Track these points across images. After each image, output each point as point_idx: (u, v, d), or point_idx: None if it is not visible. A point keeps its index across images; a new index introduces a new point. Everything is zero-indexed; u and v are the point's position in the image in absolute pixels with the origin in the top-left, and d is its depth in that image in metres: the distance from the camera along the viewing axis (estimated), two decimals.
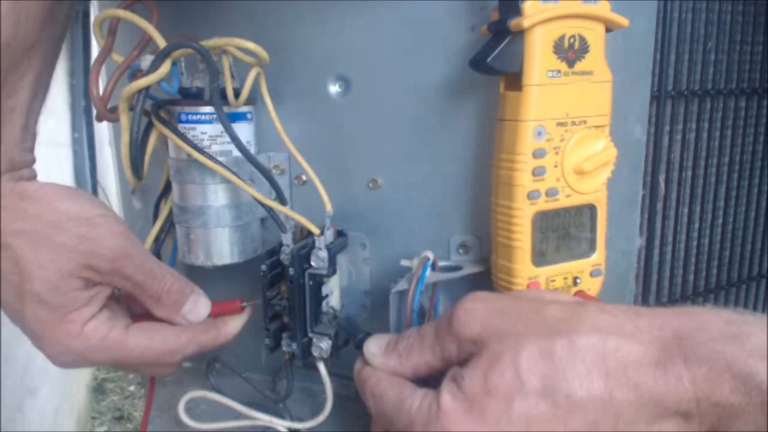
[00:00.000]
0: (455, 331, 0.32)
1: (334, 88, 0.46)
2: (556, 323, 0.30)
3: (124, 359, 0.40)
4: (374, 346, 0.37)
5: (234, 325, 0.44)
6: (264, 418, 0.48)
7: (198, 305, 0.42)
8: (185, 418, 0.48)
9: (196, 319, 0.42)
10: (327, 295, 0.44)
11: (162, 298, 0.41)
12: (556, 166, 0.39)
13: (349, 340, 0.45)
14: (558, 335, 0.29)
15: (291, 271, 0.42)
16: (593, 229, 0.41)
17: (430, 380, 0.33)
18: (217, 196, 0.43)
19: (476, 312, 0.32)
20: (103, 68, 0.42)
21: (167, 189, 0.46)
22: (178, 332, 0.41)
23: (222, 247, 0.44)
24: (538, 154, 0.38)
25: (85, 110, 1.93)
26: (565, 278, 0.41)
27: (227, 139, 0.41)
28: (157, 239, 0.46)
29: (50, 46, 0.37)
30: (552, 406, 0.28)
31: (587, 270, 0.42)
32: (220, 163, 0.41)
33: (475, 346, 0.31)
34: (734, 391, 0.26)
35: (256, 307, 0.45)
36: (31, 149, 0.38)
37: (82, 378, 2.11)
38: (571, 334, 0.29)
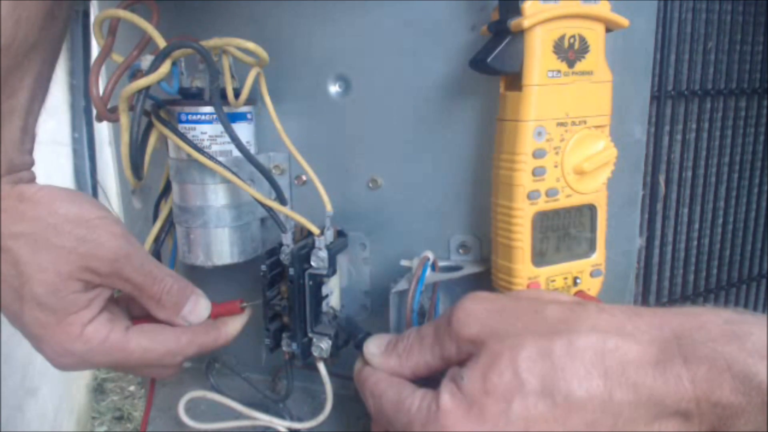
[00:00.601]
0: (454, 331, 0.32)
1: (334, 88, 0.46)
2: (555, 323, 0.30)
3: (125, 361, 0.40)
4: (374, 346, 0.37)
5: (234, 325, 0.44)
6: (264, 418, 0.48)
7: (198, 306, 0.42)
8: (185, 418, 0.48)
9: (196, 320, 0.42)
10: (327, 295, 0.44)
11: (162, 299, 0.40)
12: (556, 166, 0.39)
13: (349, 340, 0.45)
14: (557, 335, 0.29)
15: (291, 271, 0.42)
16: (593, 229, 0.41)
17: (430, 380, 0.33)
18: (217, 196, 0.43)
19: (475, 312, 0.32)
20: (104, 68, 0.42)
21: (167, 189, 0.46)
22: (178, 333, 0.41)
23: (222, 247, 0.44)
24: (538, 154, 0.38)
25: (85, 110, 1.93)
26: (565, 278, 0.41)
27: (227, 139, 0.41)
28: (157, 239, 0.46)
29: (50, 47, 0.37)
30: (551, 406, 0.28)
31: (587, 270, 0.42)
32: (220, 163, 0.41)
33: (474, 346, 0.31)
34: (734, 391, 0.26)
35: (256, 308, 0.45)
36: (30, 151, 0.38)
37: (82, 378, 2.11)
38: (570, 333, 0.29)
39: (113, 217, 0.39)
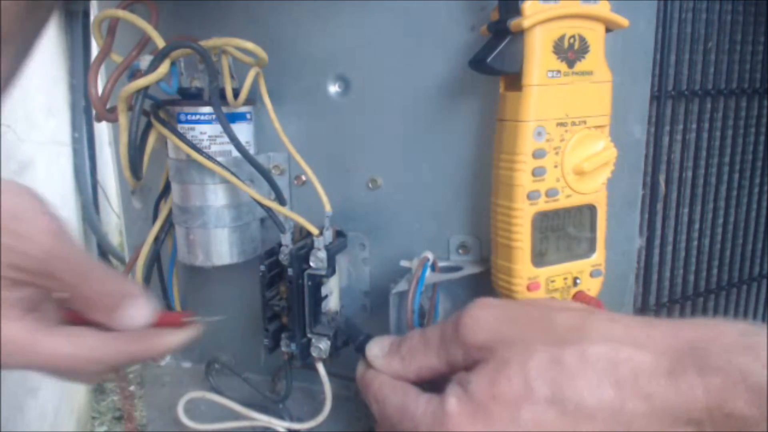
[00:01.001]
0: (462, 338, 0.32)
1: (333, 88, 0.46)
2: (566, 331, 0.30)
3: (45, 367, 0.36)
4: (377, 348, 0.36)
5: (173, 339, 0.39)
6: (263, 419, 0.48)
7: (138, 310, 0.38)
8: (184, 419, 0.48)
9: (133, 324, 0.38)
10: (326, 296, 0.44)
11: (96, 302, 0.37)
12: (556, 167, 0.39)
13: (348, 342, 0.45)
14: (568, 343, 0.29)
15: (290, 271, 0.42)
16: (593, 229, 0.41)
17: (432, 384, 0.33)
18: (216, 197, 0.43)
19: (484, 319, 0.32)
20: (103, 68, 0.42)
21: (167, 189, 0.46)
22: (107, 340, 0.37)
23: (221, 247, 0.44)
24: (538, 154, 0.38)
25: (85, 110, 1.93)
26: (565, 278, 0.41)
27: (226, 139, 0.41)
28: (156, 239, 0.46)
29: (24, 41, 0.36)
30: (560, 414, 0.28)
31: (587, 270, 0.42)
32: (219, 163, 0.41)
33: (483, 353, 0.31)
34: (748, 403, 0.26)
35: (206, 324, 0.41)
36: None
37: None
38: (581, 342, 0.29)
39: (50, 212, 0.35)
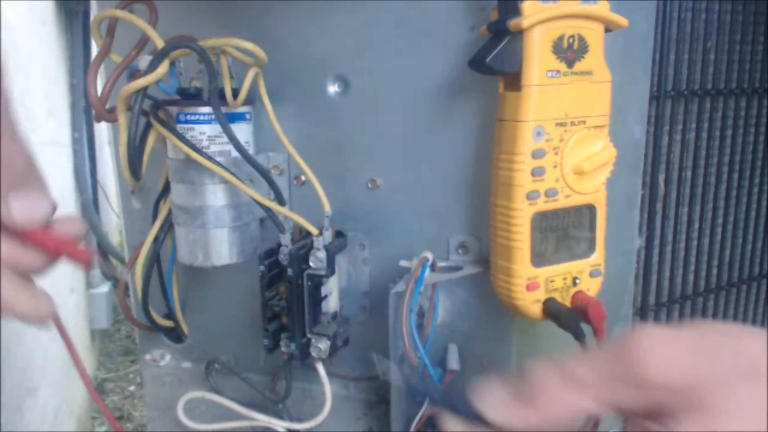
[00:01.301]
0: (642, 377, 0.28)
1: (333, 89, 0.46)
2: (752, 360, 0.28)
3: None
4: (491, 397, 0.30)
5: (24, 305, 0.34)
6: (263, 419, 0.48)
7: (32, 203, 0.33)
8: (184, 419, 0.48)
9: (21, 218, 0.32)
10: (326, 296, 0.44)
11: None
12: (555, 167, 0.39)
13: (348, 340, 0.45)
14: (759, 375, 0.27)
15: (289, 271, 0.42)
16: (592, 229, 0.41)
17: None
18: (216, 197, 0.43)
19: (666, 354, 0.28)
20: (103, 68, 0.42)
21: (166, 189, 0.46)
22: None
23: (221, 247, 0.44)
24: (538, 154, 0.38)
25: (85, 110, 1.93)
26: (565, 278, 0.41)
27: (226, 139, 0.41)
28: (156, 239, 0.46)
29: None
30: None
31: (586, 270, 0.42)
32: (218, 163, 0.41)
33: (674, 396, 0.28)
34: None
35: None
36: None
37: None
38: None
39: None
